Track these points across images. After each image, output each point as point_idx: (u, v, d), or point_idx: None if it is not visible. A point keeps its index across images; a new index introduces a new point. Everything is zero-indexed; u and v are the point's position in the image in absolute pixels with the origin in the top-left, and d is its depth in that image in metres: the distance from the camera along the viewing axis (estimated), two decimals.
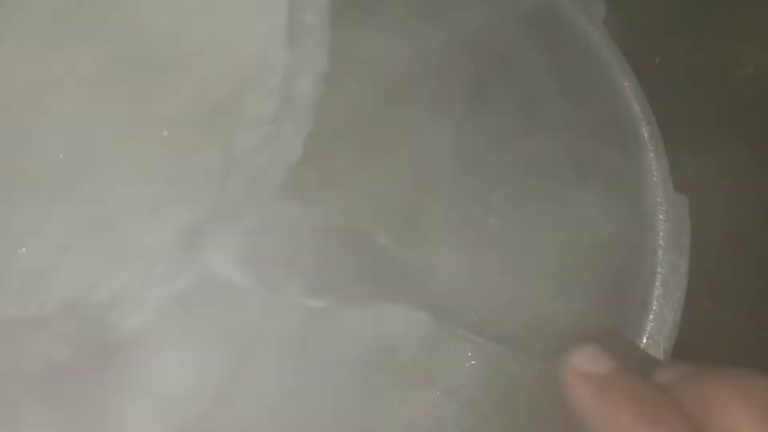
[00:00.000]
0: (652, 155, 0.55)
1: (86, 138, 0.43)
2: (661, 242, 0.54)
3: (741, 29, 0.85)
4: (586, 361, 0.40)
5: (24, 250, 0.43)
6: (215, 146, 0.45)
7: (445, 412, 0.77)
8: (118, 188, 0.43)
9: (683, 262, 0.54)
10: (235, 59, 0.45)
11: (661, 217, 0.54)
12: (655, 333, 0.53)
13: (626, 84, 0.56)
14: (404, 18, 0.66)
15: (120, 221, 0.44)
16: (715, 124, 0.84)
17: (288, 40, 0.46)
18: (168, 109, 0.44)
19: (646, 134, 0.55)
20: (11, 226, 0.42)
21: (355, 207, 0.59)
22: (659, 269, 0.54)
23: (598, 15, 0.57)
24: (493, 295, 0.58)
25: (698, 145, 0.82)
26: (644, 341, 0.53)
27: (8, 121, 0.42)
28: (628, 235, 0.58)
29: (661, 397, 0.37)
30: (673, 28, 0.87)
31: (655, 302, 0.54)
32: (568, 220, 0.75)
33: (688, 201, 0.54)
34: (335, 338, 0.60)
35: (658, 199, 0.54)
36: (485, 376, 0.77)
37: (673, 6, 0.87)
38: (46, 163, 0.43)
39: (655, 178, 0.54)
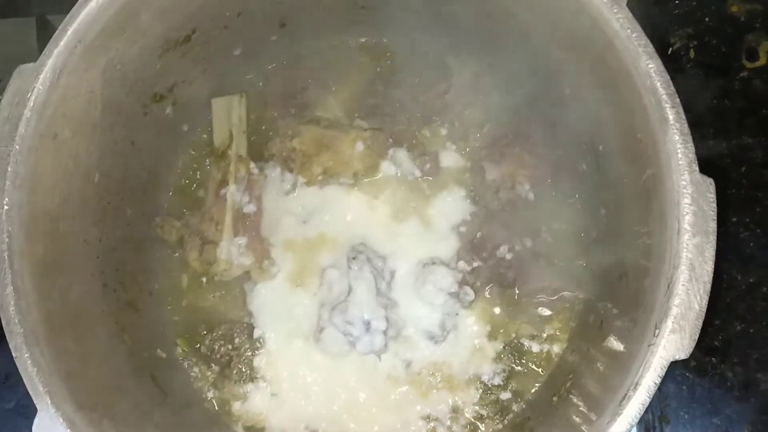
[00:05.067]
0: (677, 137, 0.54)
1: None
2: (687, 226, 0.53)
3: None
4: None
5: None
6: None
7: (461, 402, 0.77)
8: None
9: (710, 247, 0.53)
10: None
11: (686, 200, 0.53)
12: (680, 318, 0.52)
13: (651, 66, 0.55)
14: None
15: None
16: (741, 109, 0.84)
17: None
18: None
19: (671, 117, 0.54)
20: None
21: None
22: (685, 253, 0.53)
23: None
24: None
25: (725, 128, 0.82)
26: (670, 326, 0.52)
27: None
28: (653, 219, 0.57)
29: None
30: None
31: (680, 287, 0.53)
32: (592, 200, 0.75)
33: (713, 184, 0.53)
34: None
35: (683, 182, 0.53)
36: (503, 366, 0.77)
37: None
38: None
39: (680, 161, 0.53)
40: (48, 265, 0.60)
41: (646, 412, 0.77)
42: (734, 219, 0.83)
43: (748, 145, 0.84)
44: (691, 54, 0.87)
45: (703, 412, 0.80)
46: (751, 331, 0.81)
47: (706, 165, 0.78)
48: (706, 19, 0.87)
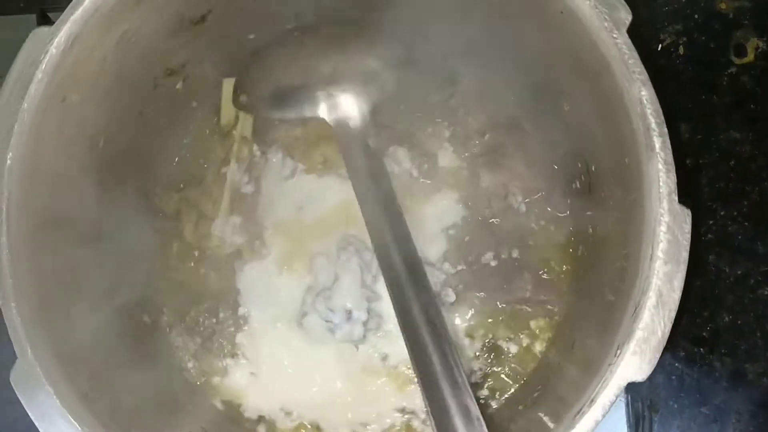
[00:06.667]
0: (660, 166, 0.55)
1: None
2: (660, 253, 0.54)
3: None
4: None
5: None
6: None
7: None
8: None
9: (679, 276, 0.54)
10: None
11: (662, 228, 0.54)
12: (642, 342, 0.54)
13: (643, 93, 0.56)
14: None
15: None
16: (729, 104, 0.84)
17: None
18: None
19: (657, 144, 0.55)
20: None
21: None
22: (655, 279, 0.54)
23: (623, 23, 0.57)
24: None
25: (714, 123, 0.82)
26: (632, 349, 0.54)
27: None
28: (631, 243, 0.59)
29: None
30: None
31: (646, 312, 0.54)
32: (581, 218, 0.76)
33: (690, 215, 0.54)
34: None
35: (662, 210, 0.54)
36: (482, 363, 0.78)
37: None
38: None
39: (661, 189, 0.54)
40: (45, 220, 0.62)
41: (636, 401, 0.79)
42: (722, 212, 0.84)
43: (736, 139, 0.85)
44: (681, 50, 0.88)
45: (691, 401, 0.81)
46: (739, 322, 0.82)
47: (696, 160, 0.78)
48: (695, 16, 0.89)
